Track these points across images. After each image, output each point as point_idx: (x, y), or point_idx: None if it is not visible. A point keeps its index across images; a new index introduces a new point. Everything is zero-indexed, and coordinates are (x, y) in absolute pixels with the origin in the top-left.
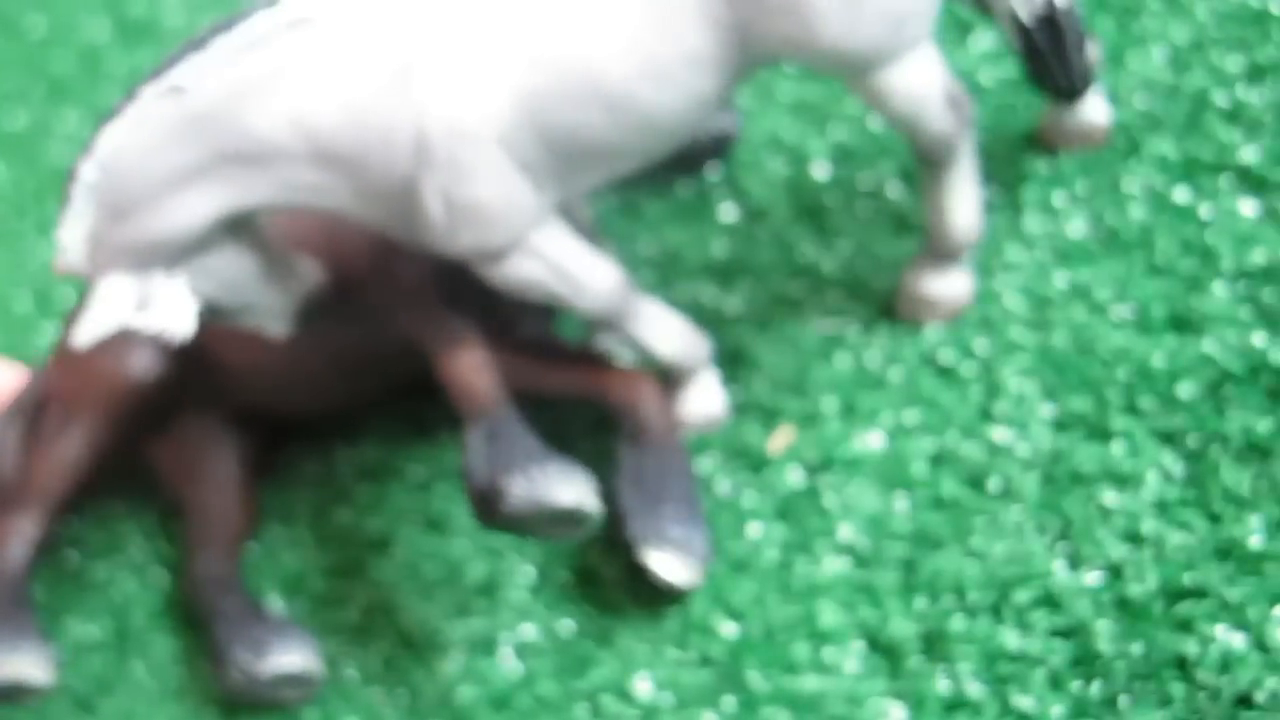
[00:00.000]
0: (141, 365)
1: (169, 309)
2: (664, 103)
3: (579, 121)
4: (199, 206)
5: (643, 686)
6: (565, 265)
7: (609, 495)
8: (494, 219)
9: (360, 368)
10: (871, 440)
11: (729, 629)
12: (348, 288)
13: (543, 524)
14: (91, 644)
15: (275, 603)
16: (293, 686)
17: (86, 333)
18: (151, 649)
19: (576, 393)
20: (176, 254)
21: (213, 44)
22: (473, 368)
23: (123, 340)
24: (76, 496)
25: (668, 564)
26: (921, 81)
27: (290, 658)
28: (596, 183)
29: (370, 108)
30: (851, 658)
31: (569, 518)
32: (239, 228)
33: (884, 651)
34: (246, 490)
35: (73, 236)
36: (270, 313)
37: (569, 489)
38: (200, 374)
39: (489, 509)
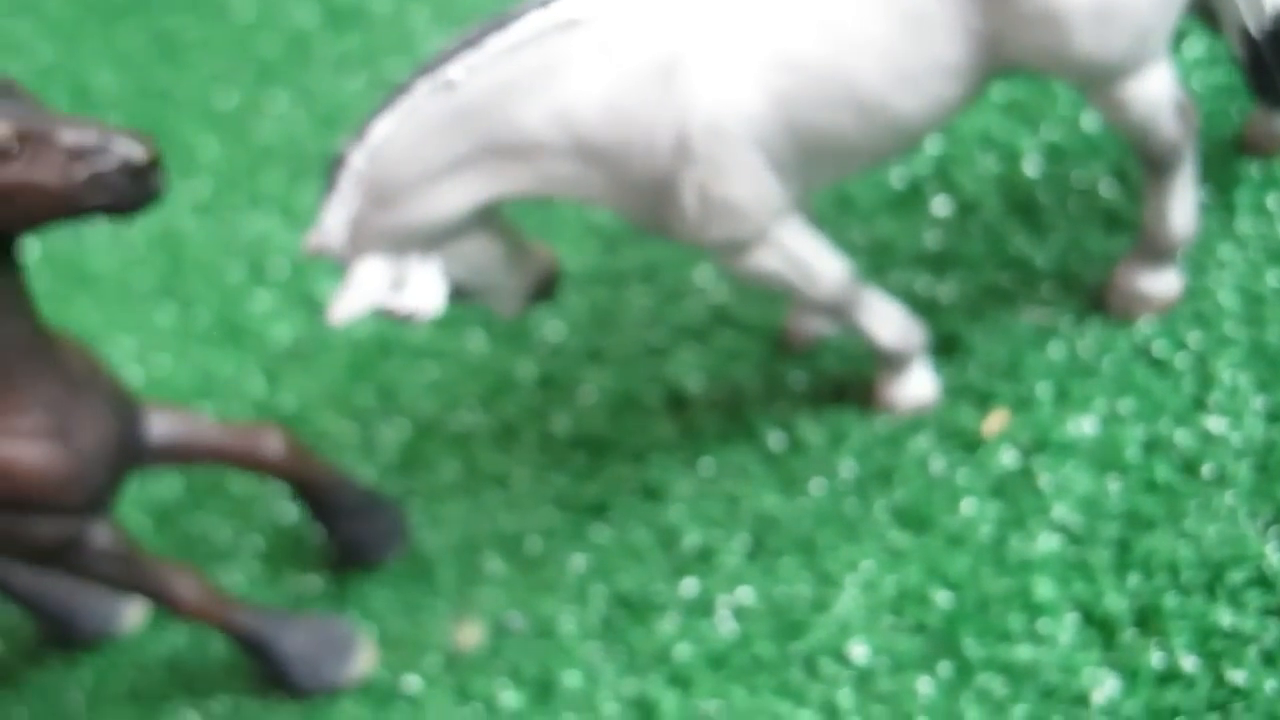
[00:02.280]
0: None
1: (421, 291)
2: (913, 107)
3: (830, 123)
4: (460, 195)
5: (858, 650)
6: (802, 257)
7: None
8: (744, 214)
9: None
10: (1085, 425)
11: (944, 598)
12: None
13: None
14: (312, 595)
15: (492, 561)
16: None
17: (343, 310)
18: (370, 601)
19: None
20: (433, 239)
21: (486, 42)
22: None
23: None
24: None
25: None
26: (1157, 92)
27: None
28: (834, 178)
29: (634, 106)
30: (1065, 630)
31: None
32: (489, 215)
33: (1098, 625)
34: None
35: (335, 219)
36: (508, 294)
37: None
38: None
39: None
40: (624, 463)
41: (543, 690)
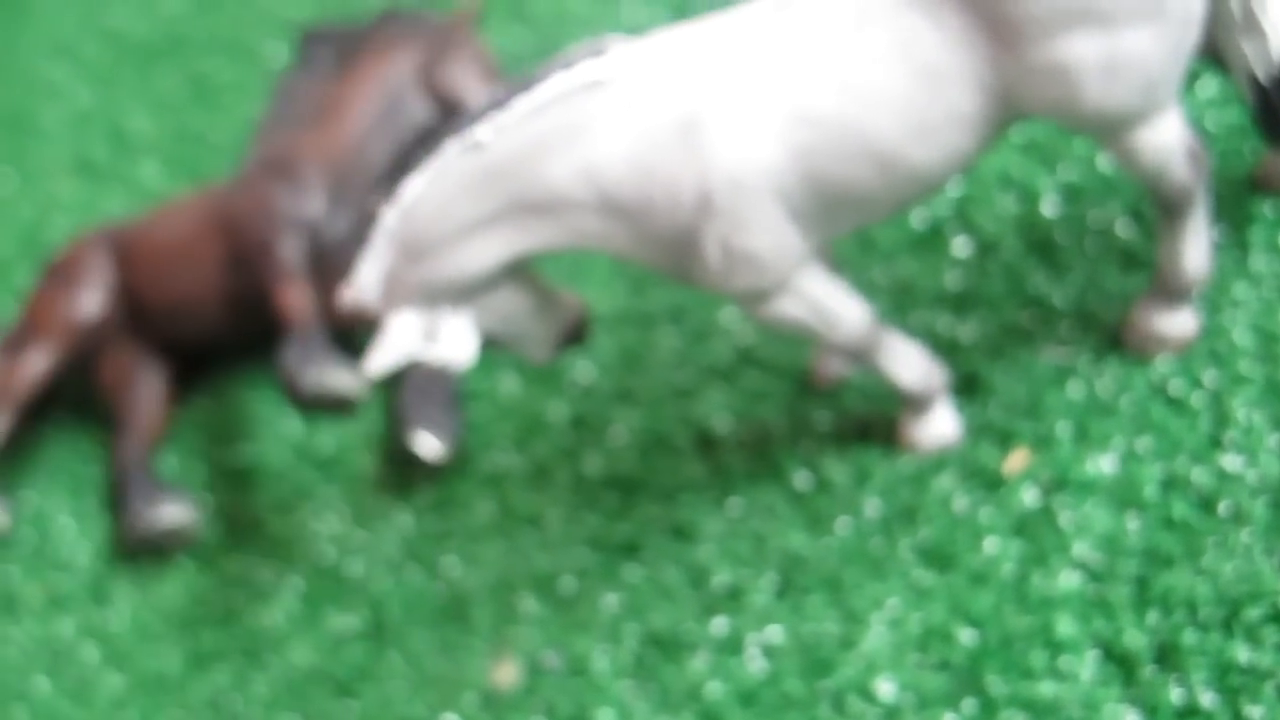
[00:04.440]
0: (90, 304)
1: (454, 341)
2: (930, 159)
3: (849, 176)
4: (490, 250)
5: (885, 688)
6: (823, 303)
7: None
8: (766, 264)
9: (243, 313)
10: (1104, 464)
11: (968, 636)
12: (240, 254)
13: (326, 402)
14: (351, 635)
15: (527, 600)
16: (175, 538)
17: (379, 362)
18: (408, 641)
19: None
20: (464, 292)
21: (513, 103)
22: (295, 299)
23: (75, 283)
24: (38, 400)
25: (425, 442)
26: (1168, 139)
27: (173, 512)
28: (853, 227)
29: (657, 162)
30: (1087, 667)
31: (341, 398)
32: (518, 267)
33: (1118, 661)
34: (162, 403)
35: (370, 275)
36: (538, 342)
37: (338, 378)
38: (133, 312)
39: (291, 392)
40: (654, 502)
41: None
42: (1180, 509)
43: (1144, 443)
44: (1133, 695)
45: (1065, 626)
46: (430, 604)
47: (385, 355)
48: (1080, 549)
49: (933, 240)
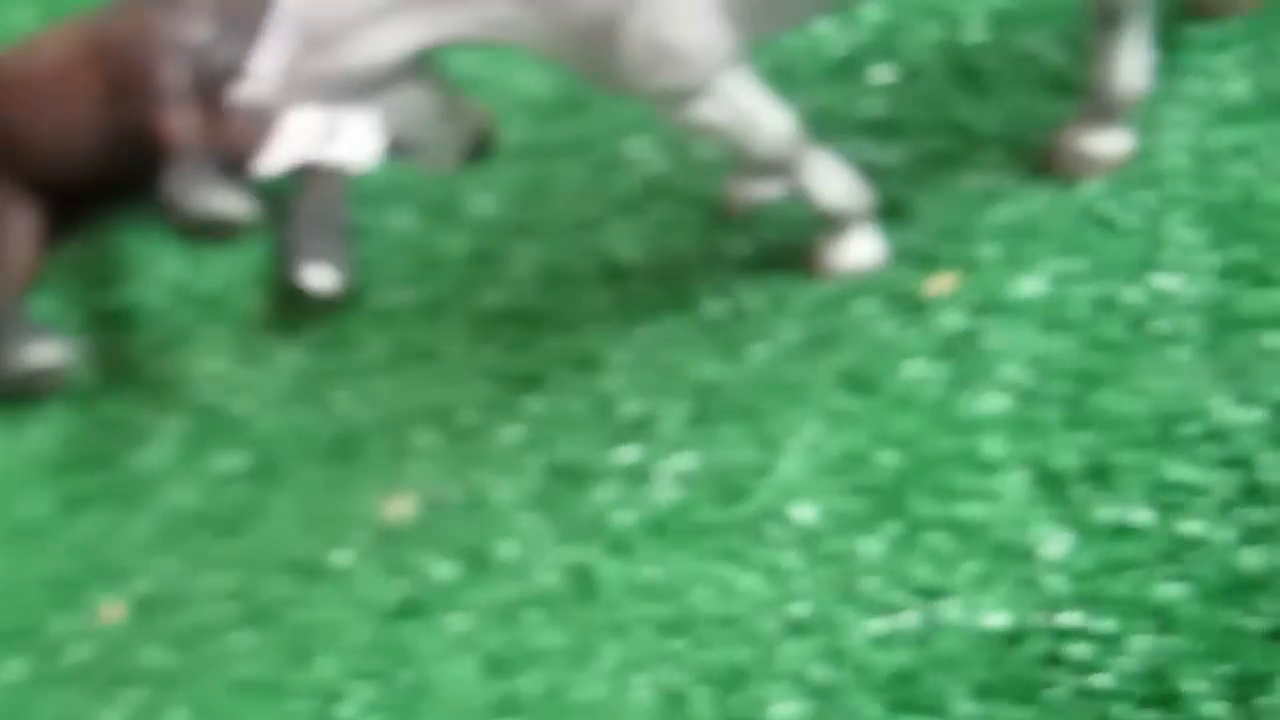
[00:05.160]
0: None
1: (354, 142)
2: None
3: None
4: (396, 39)
5: (803, 513)
6: (747, 110)
7: None
8: (690, 60)
9: (119, 148)
10: (1032, 286)
11: (890, 459)
12: (120, 82)
13: (211, 227)
14: (236, 475)
15: (422, 435)
16: (47, 380)
17: (275, 162)
18: (296, 479)
19: None
20: (367, 87)
21: None
22: (180, 124)
23: None
24: None
25: (316, 274)
26: None
27: (44, 352)
28: (782, 26)
29: None
30: (1015, 487)
31: (226, 222)
32: (423, 64)
33: (1049, 482)
34: (36, 244)
35: (268, 67)
36: (442, 150)
37: (225, 201)
38: (2, 148)
39: (175, 217)
40: (557, 334)
41: (478, 561)
42: (1113, 329)
43: (1075, 264)
44: (1063, 514)
45: (992, 447)
46: (320, 442)
47: (281, 154)
48: (1008, 371)
49: (852, 68)
